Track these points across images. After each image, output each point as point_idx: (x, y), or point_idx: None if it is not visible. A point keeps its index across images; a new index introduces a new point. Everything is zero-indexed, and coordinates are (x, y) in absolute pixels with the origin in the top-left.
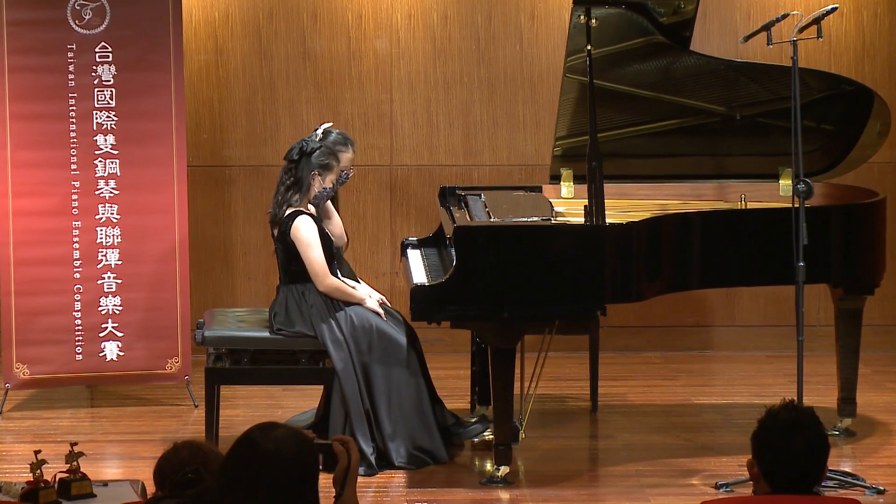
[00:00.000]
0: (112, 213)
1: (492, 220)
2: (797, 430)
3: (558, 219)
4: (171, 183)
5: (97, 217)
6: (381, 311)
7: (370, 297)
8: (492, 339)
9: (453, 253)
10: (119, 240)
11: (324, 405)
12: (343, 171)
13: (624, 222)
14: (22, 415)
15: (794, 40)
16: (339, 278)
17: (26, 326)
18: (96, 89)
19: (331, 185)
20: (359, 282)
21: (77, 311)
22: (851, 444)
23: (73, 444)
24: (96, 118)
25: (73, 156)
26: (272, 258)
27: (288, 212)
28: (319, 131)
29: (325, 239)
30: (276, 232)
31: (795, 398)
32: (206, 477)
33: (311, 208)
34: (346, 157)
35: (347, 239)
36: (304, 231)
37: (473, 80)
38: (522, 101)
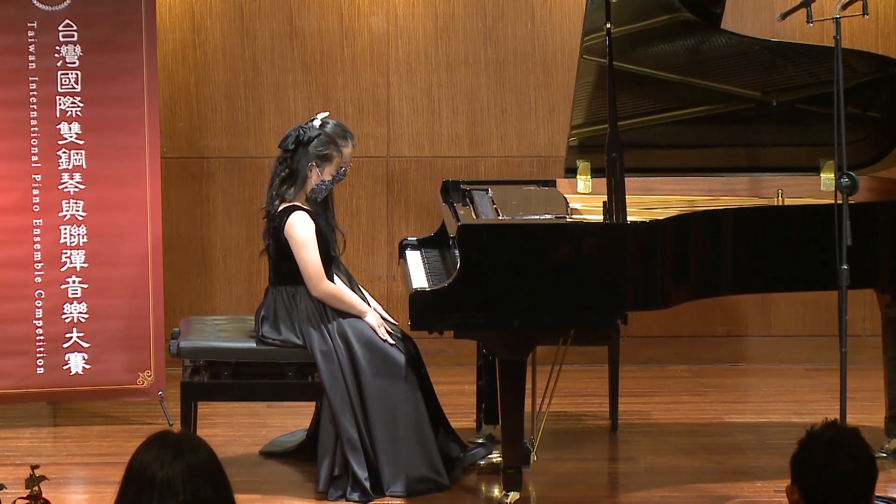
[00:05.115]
0: (77, 210)
1: (500, 217)
2: (844, 448)
3: (574, 216)
4: (143, 177)
5: (61, 214)
6: (381, 331)
7: (374, 311)
8: (500, 350)
9: (457, 254)
10: (85, 240)
11: (314, 424)
12: (341, 167)
13: (647, 220)
14: None
15: (836, 17)
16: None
17: None
18: (60, 72)
19: (330, 179)
20: (360, 290)
21: (38, 318)
22: None
23: (33, 468)
24: (60, 104)
25: (34, 146)
26: (259, 259)
27: (282, 207)
28: (317, 120)
29: (323, 239)
30: (269, 228)
31: (838, 416)
32: None
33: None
34: (348, 150)
35: (345, 240)
36: (299, 229)
37: (479, 62)
38: (534, 86)
